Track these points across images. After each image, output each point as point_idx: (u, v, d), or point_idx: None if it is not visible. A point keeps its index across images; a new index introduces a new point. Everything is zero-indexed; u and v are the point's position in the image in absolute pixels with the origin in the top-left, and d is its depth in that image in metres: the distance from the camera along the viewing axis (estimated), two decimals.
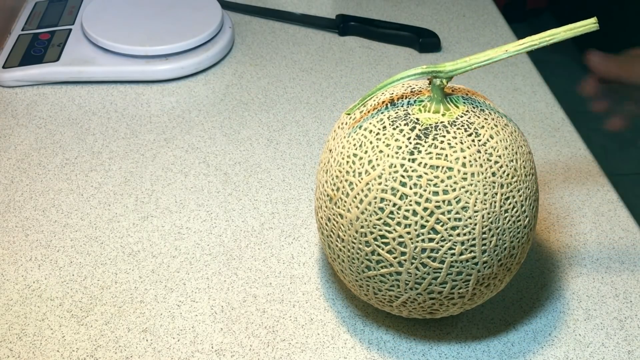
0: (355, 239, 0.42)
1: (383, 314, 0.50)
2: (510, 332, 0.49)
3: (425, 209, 0.40)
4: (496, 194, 0.40)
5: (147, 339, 0.48)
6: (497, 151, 0.41)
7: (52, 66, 0.71)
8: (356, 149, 0.42)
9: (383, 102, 0.44)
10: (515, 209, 0.41)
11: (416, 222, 0.40)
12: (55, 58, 0.72)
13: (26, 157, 0.63)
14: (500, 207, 0.40)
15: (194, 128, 0.67)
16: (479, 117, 0.42)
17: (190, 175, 0.61)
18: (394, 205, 0.40)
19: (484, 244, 0.40)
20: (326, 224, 0.44)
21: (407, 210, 0.40)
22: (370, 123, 0.43)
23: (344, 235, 0.42)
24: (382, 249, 0.41)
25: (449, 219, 0.39)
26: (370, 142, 0.41)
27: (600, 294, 0.51)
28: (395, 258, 0.41)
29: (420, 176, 0.40)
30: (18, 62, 0.71)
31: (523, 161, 0.42)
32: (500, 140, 0.41)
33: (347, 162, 0.42)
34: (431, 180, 0.40)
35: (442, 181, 0.40)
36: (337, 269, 0.45)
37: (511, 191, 0.41)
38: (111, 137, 0.65)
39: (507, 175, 0.41)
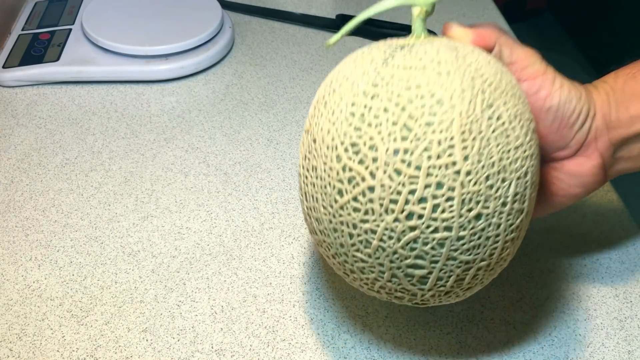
0: (326, 157, 0.38)
1: (383, 314, 0.50)
2: (510, 332, 0.49)
3: (396, 104, 0.36)
4: (476, 95, 0.37)
5: (147, 338, 0.48)
6: (478, 62, 0.38)
7: (52, 66, 0.71)
8: (332, 82, 0.40)
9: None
10: (500, 120, 0.37)
11: (387, 119, 0.36)
12: (55, 58, 0.72)
13: (26, 157, 0.63)
14: (482, 111, 0.36)
15: (194, 128, 0.67)
16: (465, 46, 0.39)
17: (190, 175, 0.61)
18: (365, 106, 0.37)
19: (465, 147, 0.36)
20: (302, 168, 0.41)
21: (378, 109, 0.37)
22: (347, 60, 0.40)
23: (316, 161, 0.39)
24: (353, 161, 0.37)
25: (422, 113, 0.36)
26: (347, 65, 0.40)
27: (600, 294, 0.51)
28: (366, 168, 0.37)
29: (392, 76, 0.37)
30: (18, 62, 0.71)
31: (509, 82, 0.39)
32: (484, 57, 0.39)
33: (324, 88, 0.40)
34: (403, 78, 0.37)
35: (415, 77, 0.37)
36: (313, 223, 0.41)
37: (495, 99, 0.37)
38: (111, 137, 0.65)
39: (490, 84, 0.37)
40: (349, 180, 0.37)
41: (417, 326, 0.49)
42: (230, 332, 0.48)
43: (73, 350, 0.47)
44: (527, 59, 0.42)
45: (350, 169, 0.37)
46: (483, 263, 0.39)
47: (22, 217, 0.57)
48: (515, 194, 0.38)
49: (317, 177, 0.39)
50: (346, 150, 0.37)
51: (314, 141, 0.39)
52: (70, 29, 0.76)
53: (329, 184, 0.38)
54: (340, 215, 0.38)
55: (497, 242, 0.38)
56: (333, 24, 0.82)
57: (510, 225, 0.38)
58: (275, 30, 0.82)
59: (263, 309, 0.50)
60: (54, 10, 0.80)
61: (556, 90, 0.41)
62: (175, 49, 0.73)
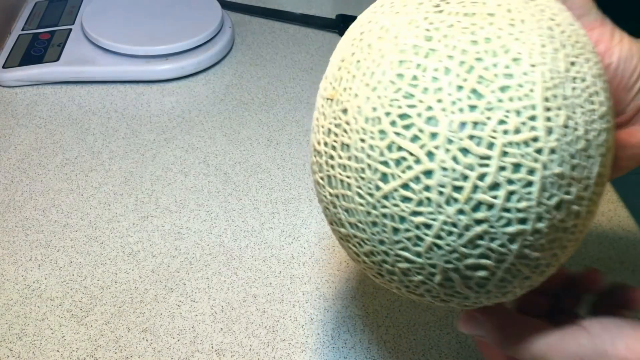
0: (365, 132, 0.30)
1: (383, 314, 0.50)
2: None
3: (461, 63, 0.28)
4: (557, 50, 0.29)
5: (147, 338, 0.48)
6: (552, 10, 0.31)
7: (52, 66, 0.71)
8: (362, 27, 0.32)
9: None
10: (585, 82, 0.30)
11: (449, 83, 0.28)
12: (55, 58, 0.72)
13: (26, 157, 0.63)
14: (566, 70, 0.29)
15: (194, 128, 0.67)
16: None
17: (190, 175, 0.61)
18: (418, 66, 0.29)
19: (549, 118, 0.28)
20: (325, 145, 0.33)
21: (436, 70, 0.29)
22: (376, 5, 0.33)
23: (349, 138, 0.31)
24: (403, 137, 0.29)
25: (495, 75, 0.28)
26: (383, 13, 0.32)
27: None
28: (422, 147, 0.29)
29: (451, 26, 0.29)
30: (18, 62, 0.71)
31: (583, 32, 0.32)
32: (554, 2, 0.32)
33: (352, 44, 0.32)
34: (466, 29, 0.29)
35: (482, 28, 0.29)
36: (341, 214, 0.33)
37: (577, 56, 0.30)
38: (111, 137, 0.65)
39: (569, 36, 0.30)
40: (397, 162, 0.29)
41: (417, 326, 0.49)
42: (230, 332, 0.48)
43: (73, 350, 0.47)
44: (584, 5, 0.35)
45: (400, 148, 0.29)
46: (554, 258, 0.32)
47: (22, 217, 0.57)
48: (598, 174, 0.31)
49: (349, 158, 0.31)
50: (393, 123, 0.29)
51: (344, 111, 0.31)
52: (70, 29, 0.76)
53: (369, 167, 0.30)
54: (384, 207, 0.30)
55: (574, 233, 0.31)
56: (333, 24, 0.82)
57: (588, 212, 0.31)
58: (275, 30, 0.82)
59: (263, 309, 0.50)
60: (54, 10, 0.80)
61: (615, 45, 0.35)
62: (175, 49, 0.73)
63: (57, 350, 0.47)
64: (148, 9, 0.78)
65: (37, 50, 0.73)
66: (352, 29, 0.33)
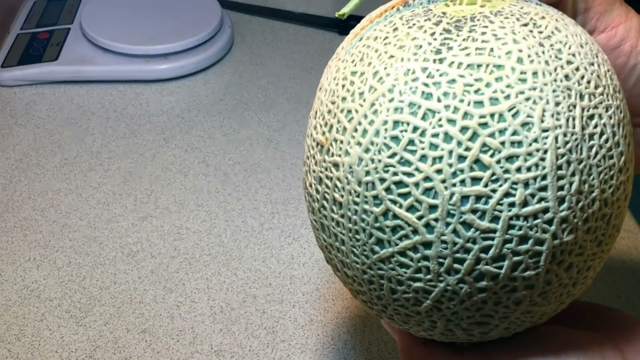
0: (358, 195, 0.28)
1: None
2: None
3: (463, 129, 0.26)
4: (574, 106, 0.26)
5: (146, 339, 0.48)
6: (569, 48, 0.27)
7: (50, 65, 0.71)
8: (355, 65, 0.29)
9: (391, 6, 0.32)
10: (604, 137, 0.27)
11: (451, 153, 0.26)
12: (54, 57, 0.72)
13: (25, 156, 0.63)
14: (583, 128, 0.26)
15: (194, 128, 0.67)
16: (536, 8, 0.29)
17: (190, 175, 0.61)
18: (415, 129, 0.26)
19: (561, 188, 0.26)
20: (316, 192, 0.30)
21: (436, 135, 0.26)
22: (375, 30, 0.30)
23: (342, 197, 0.29)
24: (400, 206, 0.27)
25: (502, 143, 0.26)
26: (376, 51, 0.29)
27: (602, 295, 0.51)
28: (420, 219, 0.27)
29: (453, 81, 0.26)
30: (17, 62, 0.71)
31: (607, 70, 0.29)
32: (572, 35, 0.28)
33: (344, 85, 0.29)
34: (471, 86, 0.26)
35: (488, 85, 0.26)
36: (337, 263, 0.31)
37: (596, 107, 0.27)
38: (110, 137, 0.65)
39: (588, 82, 0.27)
40: (394, 231, 0.27)
41: None
42: (229, 333, 0.48)
43: (72, 351, 0.47)
44: (606, 1, 0.32)
45: (395, 216, 0.27)
46: (562, 306, 0.30)
47: (20, 217, 0.57)
48: (613, 227, 0.29)
49: (342, 216, 0.29)
50: (388, 190, 0.27)
51: (335, 166, 0.29)
52: (69, 28, 0.76)
53: (363, 230, 0.28)
54: (380, 269, 0.28)
55: (583, 283, 0.30)
56: (333, 24, 0.82)
57: (600, 262, 0.30)
58: (275, 30, 0.82)
59: (263, 310, 0.50)
60: (52, 9, 0.80)
61: None
62: (175, 48, 0.72)
63: (56, 351, 0.47)
64: (147, 8, 0.78)
65: (35, 49, 0.73)
66: (343, 61, 0.30)
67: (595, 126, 0.27)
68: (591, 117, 0.27)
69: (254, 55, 0.77)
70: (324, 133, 0.30)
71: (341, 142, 0.28)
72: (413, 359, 0.33)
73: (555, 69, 0.27)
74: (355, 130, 0.28)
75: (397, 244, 0.27)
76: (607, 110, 0.27)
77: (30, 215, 0.57)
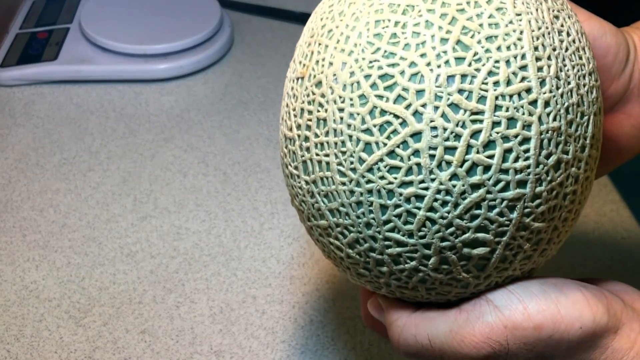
0: (343, 101, 0.28)
1: None
2: None
3: (442, 15, 0.27)
4: (540, 2, 0.29)
5: (145, 340, 0.48)
6: None
7: (50, 65, 0.71)
8: (330, 5, 0.31)
9: None
10: (571, 36, 0.29)
11: (433, 37, 0.27)
12: (53, 57, 0.71)
13: (24, 156, 0.63)
14: (551, 23, 0.29)
15: (193, 127, 0.67)
16: None
17: (189, 175, 0.61)
18: (397, 23, 0.28)
19: (541, 69, 0.27)
20: (297, 128, 0.31)
21: (417, 24, 0.27)
22: None
23: (325, 111, 0.29)
24: (387, 99, 0.27)
25: (480, 25, 0.27)
26: None
27: None
28: (408, 107, 0.27)
29: None
30: (16, 61, 0.71)
31: None
32: None
33: (320, 22, 0.31)
34: None
35: None
36: (320, 203, 0.30)
37: (559, 11, 0.29)
38: (109, 137, 0.65)
39: None
40: (382, 128, 0.27)
41: None
42: (229, 334, 0.48)
43: (71, 352, 0.47)
44: None
45: (383, 112, 0.27)
46: (555, 233, 0.30)
47: (19, 217, 0.56)
48: (592, 136, 0.30)
49: (327, 133, 0.29)
50: (374, 86, 0.27)
51: (318, 84, 0.29)
52: (68, 28, 0.76)
53: (349, 138, 0.28)
54: (369, 181, 0.28)
55: (574, 202, 0.30)
56: None
57: (587, 178, 0.30)
58: (275, 29, 0.82)
59: (262, 310, 0.50)
60: (51, 8, 0.80)
61: (584, 21, 0.33)
62: (174, 47, 0.72)
63: (55, 352, 0.47)
64: (146, 7, 0.78)
65: (34, 49, 0.73)
66: (319, 7, 0.32)
67: (562, 25, 0.29)
68: (556, 17, 0.29)
69: (254, 55, 0.77)
70: (303, 65, 0.30)
71: (323, 59, 0.29)
72: (404, 332, 0.31)
73: None
74: (338, 41, 0.29)
75: (385, 144, 0.27)
76: (569, 18, 0.30)
77: (29, 215, 0.57)
